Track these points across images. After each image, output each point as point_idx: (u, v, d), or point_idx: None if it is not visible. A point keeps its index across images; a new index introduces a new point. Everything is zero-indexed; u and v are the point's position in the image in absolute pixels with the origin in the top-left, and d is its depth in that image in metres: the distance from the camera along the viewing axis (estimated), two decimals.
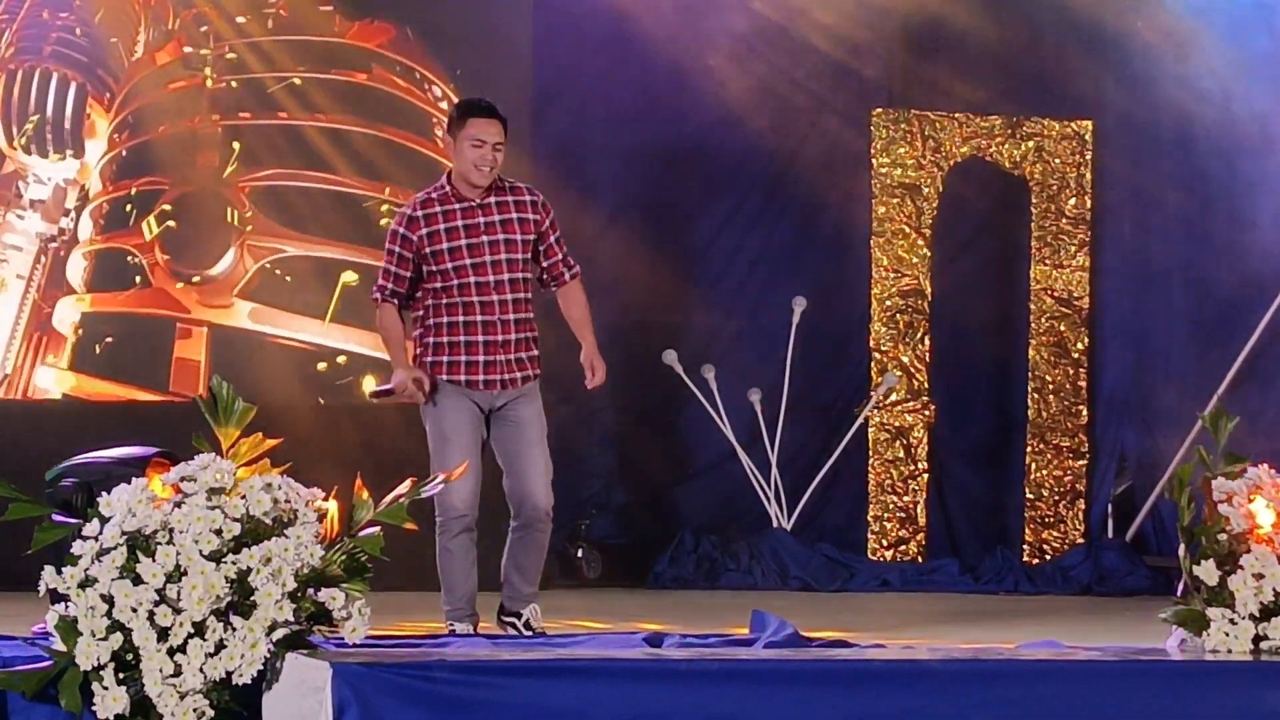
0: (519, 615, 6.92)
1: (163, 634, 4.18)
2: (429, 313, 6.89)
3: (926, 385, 12.06)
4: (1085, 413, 12.16)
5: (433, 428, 6.85)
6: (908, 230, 12.07)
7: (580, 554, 11.33)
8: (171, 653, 4.17)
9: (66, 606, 4.28)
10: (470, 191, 6.91)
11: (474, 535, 6.83)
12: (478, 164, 6.82)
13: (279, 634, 4.20)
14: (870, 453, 11.98)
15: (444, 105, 10.83)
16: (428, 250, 6.87)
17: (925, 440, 12.03)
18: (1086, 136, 12.21)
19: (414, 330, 7.00)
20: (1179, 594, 4.93)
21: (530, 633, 6.85)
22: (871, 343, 12.04)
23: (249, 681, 4.18)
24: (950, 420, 12.10)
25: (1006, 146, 12.19)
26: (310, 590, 4.28)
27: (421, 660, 4.23)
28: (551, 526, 6.95)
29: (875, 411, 11.95)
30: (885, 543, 11.90)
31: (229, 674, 4.17)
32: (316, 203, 10.96)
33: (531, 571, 6.88)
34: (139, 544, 4.28)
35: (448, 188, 6.93)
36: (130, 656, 4.20)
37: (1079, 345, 12.18)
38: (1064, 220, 12.19)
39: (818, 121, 12.17)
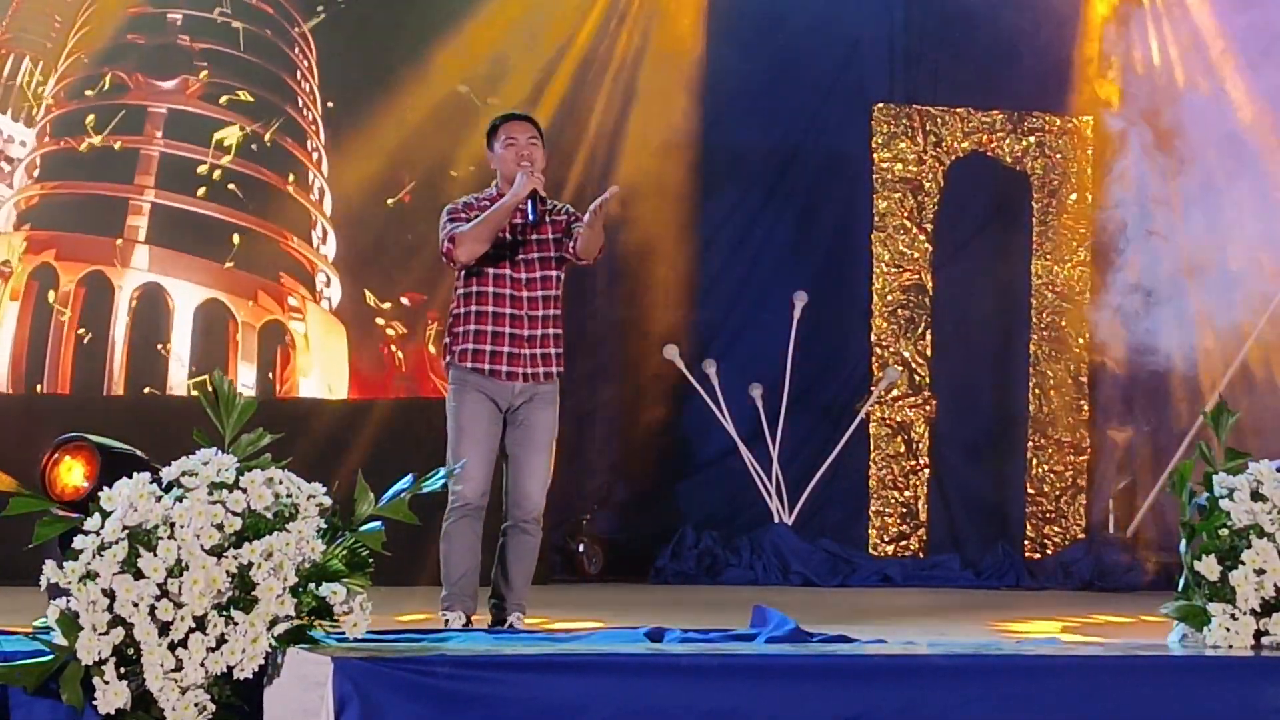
0: (503, 621, 6.97)
1: (164, 628, 4.17)
2: (459, 302, 7.08)
3: (928, 380, 12.06)
4: (1086, 408, 12.16)
5: (451, 419, 7.00)
6: (909, 225, 12.07)
7: (582, 549, 11.33)
8: (172, 647, 4.16)
9: (68, 601, 4.27)
10: None
11: (476, 523, 6.92)
12: (517, 161, 7.03)
13: (280, 629, 4.20)
14: (871, 448, 11.99)
15: None
16: None
17: (926, 435, 12.04)
18: (1087, 132, 12.21)
19: (447, 320, 7.18)
20: (1180, 589, 4.92)
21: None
22: (872, 338, 12.04)
23: (250, 676, 4.17)
24: (951, 415, 12.11)
25: (1008, 141, 12.19)
26: (311, 585, 4.27)
27: (423, 655, 4.22)
28: (540, 534, 7.07)
29: (876, 406, 11.95)
30: (886, 538, 11.91)
31: (230, 668, 4.16)
32: None
33: (519, 580, 6.97)
34: (140, 539, 4.27)
35: (494, 192, 7.14)
36: (131, 651, 4.20)
37: (1080, 340, 12.18)
38: (1065, 215, 12.19)
39: (819, 116, 12.17)
